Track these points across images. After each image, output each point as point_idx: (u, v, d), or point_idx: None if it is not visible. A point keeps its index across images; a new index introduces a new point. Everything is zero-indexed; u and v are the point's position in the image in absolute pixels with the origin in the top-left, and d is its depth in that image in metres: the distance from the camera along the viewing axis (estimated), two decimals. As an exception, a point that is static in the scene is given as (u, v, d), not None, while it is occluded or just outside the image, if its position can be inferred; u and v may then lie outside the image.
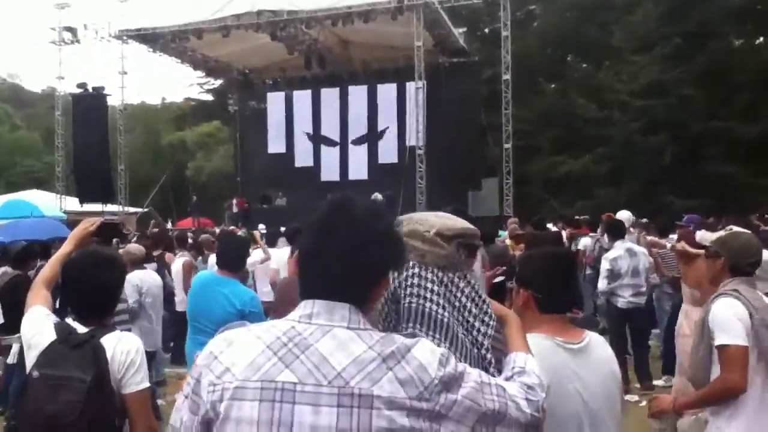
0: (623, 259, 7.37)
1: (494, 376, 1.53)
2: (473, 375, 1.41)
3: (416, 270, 1.59)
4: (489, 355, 1.58)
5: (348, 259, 1.39)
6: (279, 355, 1.35)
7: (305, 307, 1.41)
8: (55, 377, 2.33)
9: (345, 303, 1.39)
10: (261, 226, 13.26)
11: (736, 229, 3.41)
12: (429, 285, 1.57)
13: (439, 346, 1.47)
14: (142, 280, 6.27)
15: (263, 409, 1.32)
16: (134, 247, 6.90)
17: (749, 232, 3.55)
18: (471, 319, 1.59)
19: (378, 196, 22.25)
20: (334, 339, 1.36)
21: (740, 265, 3.15)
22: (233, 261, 4.82)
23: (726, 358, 2.91)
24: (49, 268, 2.79)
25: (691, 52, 25.91)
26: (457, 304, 1.59)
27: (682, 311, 5.14)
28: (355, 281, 1.41)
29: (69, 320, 2.54)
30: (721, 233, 3.37)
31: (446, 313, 1.56)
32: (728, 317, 2.95)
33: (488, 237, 7.57)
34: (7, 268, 7.13)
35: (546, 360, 2.02)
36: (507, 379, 1.53)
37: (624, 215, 10.09)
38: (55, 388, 2.31)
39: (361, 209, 1.44)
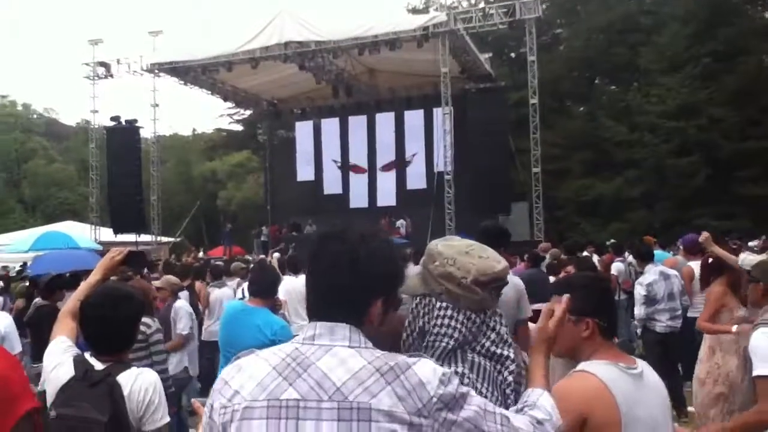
0: (658, 283, 7.23)
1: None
2: (476, 400, 1.43)
3: (449, 312, 1.61)
4: (512, 396, 1.60)
5: (339, 280, 1.47)
6: (283, 375, 1.41)
7: (309, 329, 1.48)
8: (73, 418, 2.34)
9: (345, 323, 1.45)
10: (276, 255, 13.22)
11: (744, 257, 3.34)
12: (459, 326, 1.59)
13: (462, 380, 1.49)
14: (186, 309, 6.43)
15: (270, 426, 1.38)
16: (173, 278, 7.02)
17: None
18: (498, 359, 1.61)
19: (402, 223, 22.30)
20: (334, 357, 1.41)
21: None
22: (264, 290, 4.83)
23: (762, 389, 2.83)
24: (76, 298, 2.80)
25: (720, 72, 25.65)
26: (486, 343, 1.60)
27: (703, 348, 5.01)
28: (349, 301, 1.46)
29: (87, 355, 2.55)
30: (763, 257, 3.30)
31: (475, 356, 1.58)
32: (766, 347, 2.88)
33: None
34: (38, 299, 7.25)
35: (619, 386, 2.08)
36: (517, 411, 1.54)
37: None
38: (73, 430, 2.33)
39: (351, 233, 1.51)
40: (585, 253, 11.16)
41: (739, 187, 23.90)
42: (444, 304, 1.62)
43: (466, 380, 1.53)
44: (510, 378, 1.60)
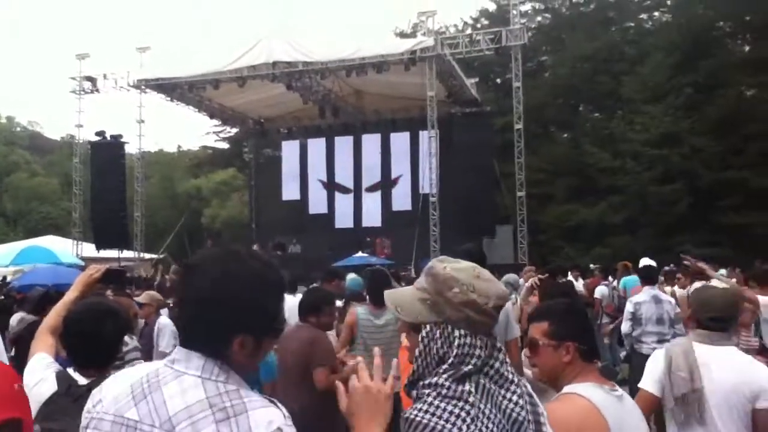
0: (646, 305, 7.26)
1: None
2: None
3: (468, 339, 1.57)
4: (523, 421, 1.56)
5: (193, 310, 1.47)
6: (134, 393, 1.43)
7: (174, 353, 1.49)
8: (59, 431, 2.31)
9: (202, 354, 1.44)
10: None
11: (713, 282, 3.50)
12: (478, 352, 1.56)
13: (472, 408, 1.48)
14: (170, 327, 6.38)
15: None
16: (156, 294, 6.96)
17: (723, 287, 3.72)
18: (504, 382, 1.58)
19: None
20: (179, 384, 1.41)
21: (701, 319, 3.26)
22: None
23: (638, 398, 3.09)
24: (54, 314, 2.76)
25: (702, 103, 26.10)
26: (496, 365, 1.58)
27: None
28: (207, 334, 1.44)
29: (70, 370, 2.52)
30: (697, 285, 3.51)
31: (482, 377, 1.55)
32: (649, 366, 3.23)
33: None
34: (23, 315, 7.15)
35: (608, 408, 2.14)
36: None
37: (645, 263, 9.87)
38: None
39: (212, 262, 1.49)
40: (570, 277, 11.21)
41: (721, 216, 24.20)
42: (463, 332, 1.56)
43: (471, 398, 1.49)
44: (521, 401, 1.55)
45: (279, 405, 1.44)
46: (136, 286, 10.95)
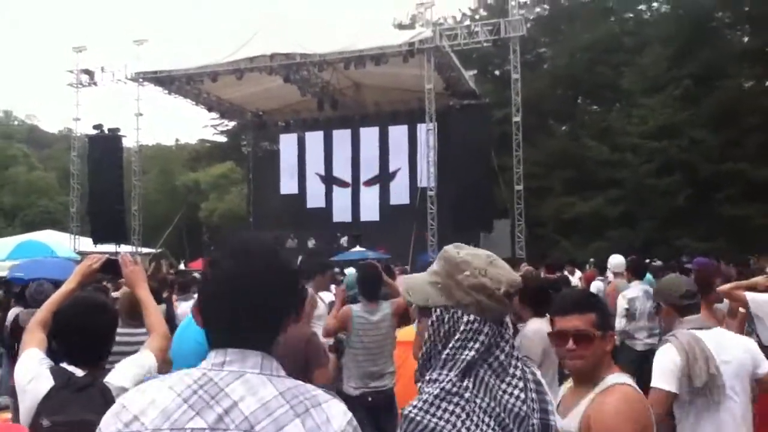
0: (639, 300, 7.28)
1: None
2: None
3: (476, 325, 1.56)
4: (523, 415, 1.56)
5: (253, 305, 1.39)
6: (189, 402, 1.33)
7: (217, 355, 1.39)
8: (69, 423, 2.30)
9: (257, 350, 1.39)
10: None
11: None
12: (483, 338, 1.56)
13: (472, 398, 1.50)
14: None
15: None
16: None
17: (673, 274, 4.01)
18: (505, 375, 1.57)
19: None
20: (244, 384, 1.35)
21: (674, 303, 3.42)
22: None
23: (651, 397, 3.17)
24: (46, 309, 2.73)
25: (701, 94, 26.04)
26: (501, 356, 1.57)
27: None
28: (263, 329, 1.40)
29: (64, 365, 2.50)
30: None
31: (483, 370, 1.55)
32: (660, 363, 3.31)
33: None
34: (21, 309, 7.09)
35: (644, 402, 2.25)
36: None
37: (616, 260, 9.76)
38: None
39: (259, 251, 1.43)
40: (564, 272, 11.20)
41: (719, 208, 24.19)
42: (472, 317, 1.56)
43: (468, 394, 1.50)
44: (522, 395, 1.54)
45: (335, 395, 1.44)
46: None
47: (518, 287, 1.62)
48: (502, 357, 1.56)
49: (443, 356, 1.56)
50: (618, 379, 2.25)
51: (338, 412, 1.36)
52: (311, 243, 23.13)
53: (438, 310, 1.61)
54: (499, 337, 1.57)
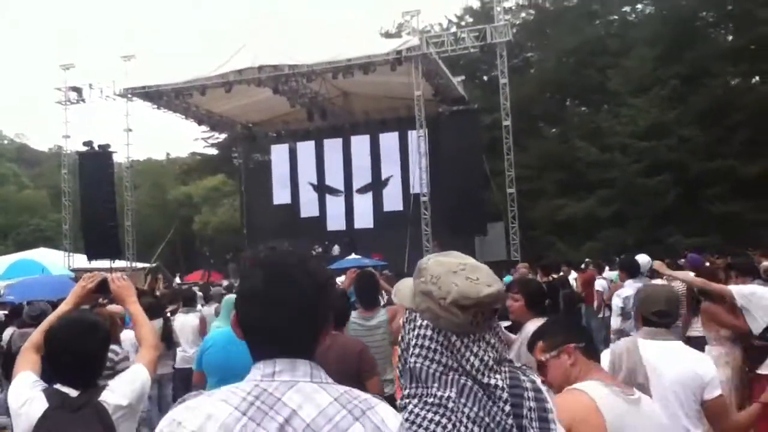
0: (633, 299, 7.32)
1: None
2: None
3: (428, 332, 1.58)
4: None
5: (298, 317, 1.43)
6: (248, 414, 1.34)
7: (266, 366, 1.41)
8: None
9: (305, 359, 1.42)
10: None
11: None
12: (438, 347, 1.56)
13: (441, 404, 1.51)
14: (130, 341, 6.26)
15: None
16: (119, 308, 6.77)
17: (663, 284, 3.75)
18: (486, 387, 1.55)
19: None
20: (299, 393, 1.37)
21: (645, 315, 3.30)
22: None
23: None
24: (40, 331, 2.71)
25: (688, 94, 26.23)
26: (468, 368, 1.55)
27: None
28: (307, 337, 1.44)
29: (58, 386, 2.49)
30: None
31: (468, 380, 1.54)
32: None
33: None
34: (14, 329, 7.06)
35: (610, 406, 2.13)
36: None
37: (643, 260, 9.87)
38: None
39: (298, 267, 1.47)
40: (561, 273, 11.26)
41: (709, 205, 24.32)
42: (425, 323, 1.58)
43: (451, 404, 1.50)
44: (507, 408, 1.52)
45: (382, 399, 1.46)
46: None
47: (476, 301, 1.54)
48: (473, 371, 1.54)
49: (409, 366, 1.58)
50: (579, 384, 2.23)
51: (391, 414, 1.40)
52: (316, 251, 23.16)
53: (407, 311, 1.66)
54: (466, 350, 1.55)
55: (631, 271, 7.80)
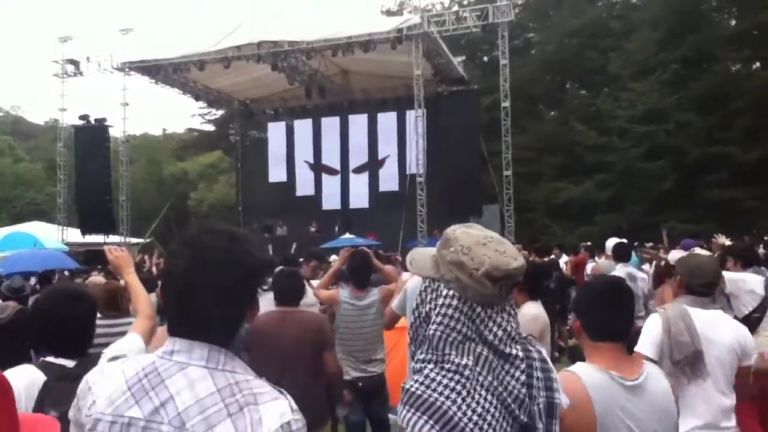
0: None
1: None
2: None
3: (453, 302, 1.55)
4: (524, 398, 1.55)
5: (203, 297, 1.38)
6: (132, 390, 1.36)
7: (169, 343, 1.41)
8: None
9: (205, 342, 1.38)
10: None
11: (698, 250, 3.71)
12: (462, 317, 1.54)
13: (461, 377, 1.48)
14: None
15: None
16: (100, 279, 6.70)
17: (708, 255, 4.00)
18: (506, 357, 1.55)
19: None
20: (186, 377, 1.36)
21: (691, 285, 3.40)
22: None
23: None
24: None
25: (689, 78, 26.11)
26: (491, 338, 1.54)
27: None
28: (217, 321, 1.40)
29: (51, 358, 2.49)
30: (684, 254, 3.68)
31: (485, 349, 1.53)
32: (649, 328, 3.32)
33: None
34: (10, 303, 7.01)
35: (601, 391, 2.13)
36: None
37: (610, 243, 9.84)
38: None
39: (213, 245, 1.42)
40: (552, 256, 11.27)
41: (706, 191, 24.33)
42: (451, 293, 1.56)
43: (467, 371, 1.49)
44: (523, 377, 1.53)
45: (288, 396, 1.41)
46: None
47: (506, 273, 1.55)
48: (495, 341, 1.54)
49: (429, 333, 1.55)
50: (575, 367, 2.25)
51: (275, 414, 1.34)
52: (312, 229, 23.11)
53: (427, 280, 1.64)
54: (489, 321, 1.55)
55: (623, 255, 7.81)
